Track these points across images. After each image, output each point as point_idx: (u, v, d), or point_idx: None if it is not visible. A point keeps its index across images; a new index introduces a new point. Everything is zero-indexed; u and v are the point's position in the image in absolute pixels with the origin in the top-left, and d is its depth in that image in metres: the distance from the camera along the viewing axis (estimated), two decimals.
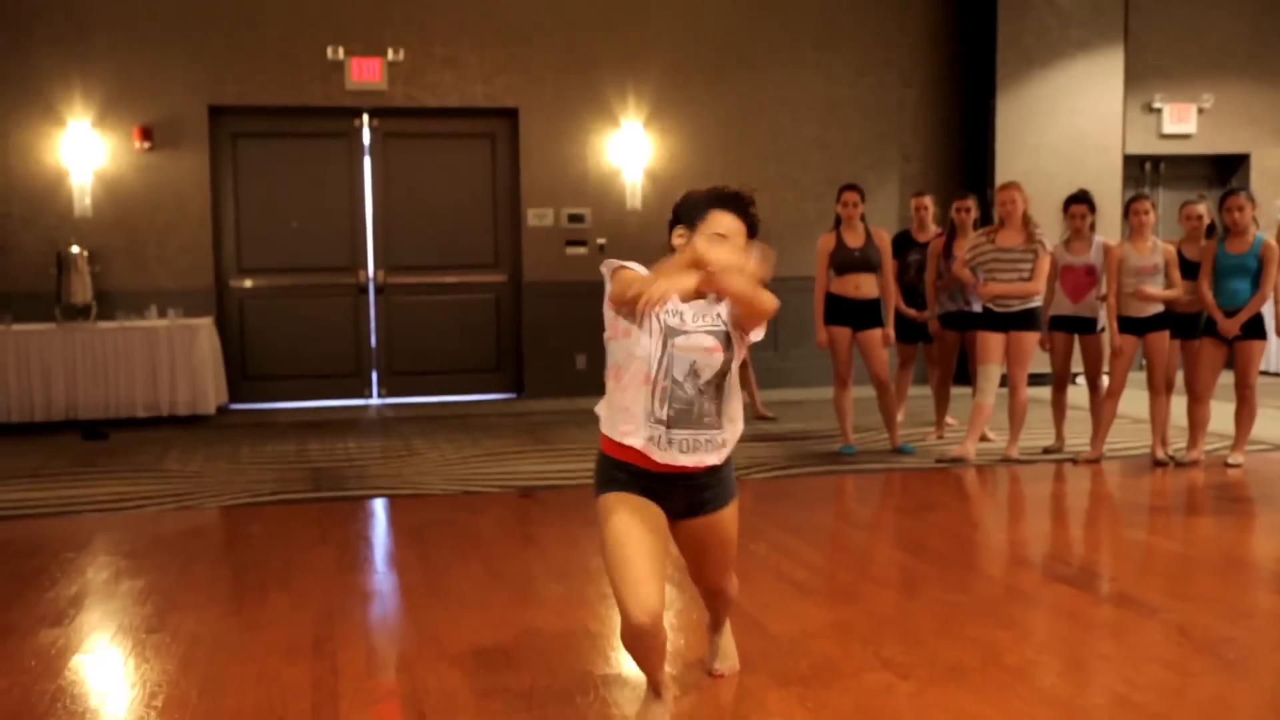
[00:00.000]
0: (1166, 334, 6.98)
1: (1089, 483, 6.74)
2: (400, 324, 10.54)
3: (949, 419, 8.26)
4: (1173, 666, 3.63)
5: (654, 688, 3.11)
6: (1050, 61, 11.02)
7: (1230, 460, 6.93)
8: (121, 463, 7.48)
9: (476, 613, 4.25)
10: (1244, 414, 6.96)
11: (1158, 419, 7.09)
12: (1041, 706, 3.28)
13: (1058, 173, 10.77)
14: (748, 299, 2.93)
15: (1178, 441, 7.27)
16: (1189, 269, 6.96)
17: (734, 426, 3.09)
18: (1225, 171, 12.27)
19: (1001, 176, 10.58)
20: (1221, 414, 7.45)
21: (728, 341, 3.02)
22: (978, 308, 7.49)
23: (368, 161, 10.47)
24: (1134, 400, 8.01)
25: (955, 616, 4.13)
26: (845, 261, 7.40)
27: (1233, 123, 11.98)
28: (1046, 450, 7.48)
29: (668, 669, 3.29)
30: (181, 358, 9.22)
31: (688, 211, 3.08)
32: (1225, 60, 11.87)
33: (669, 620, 3.85)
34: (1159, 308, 6.92)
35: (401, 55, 10.19)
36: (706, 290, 2.95)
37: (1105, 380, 7.23)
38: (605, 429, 3.04)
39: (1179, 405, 7.24)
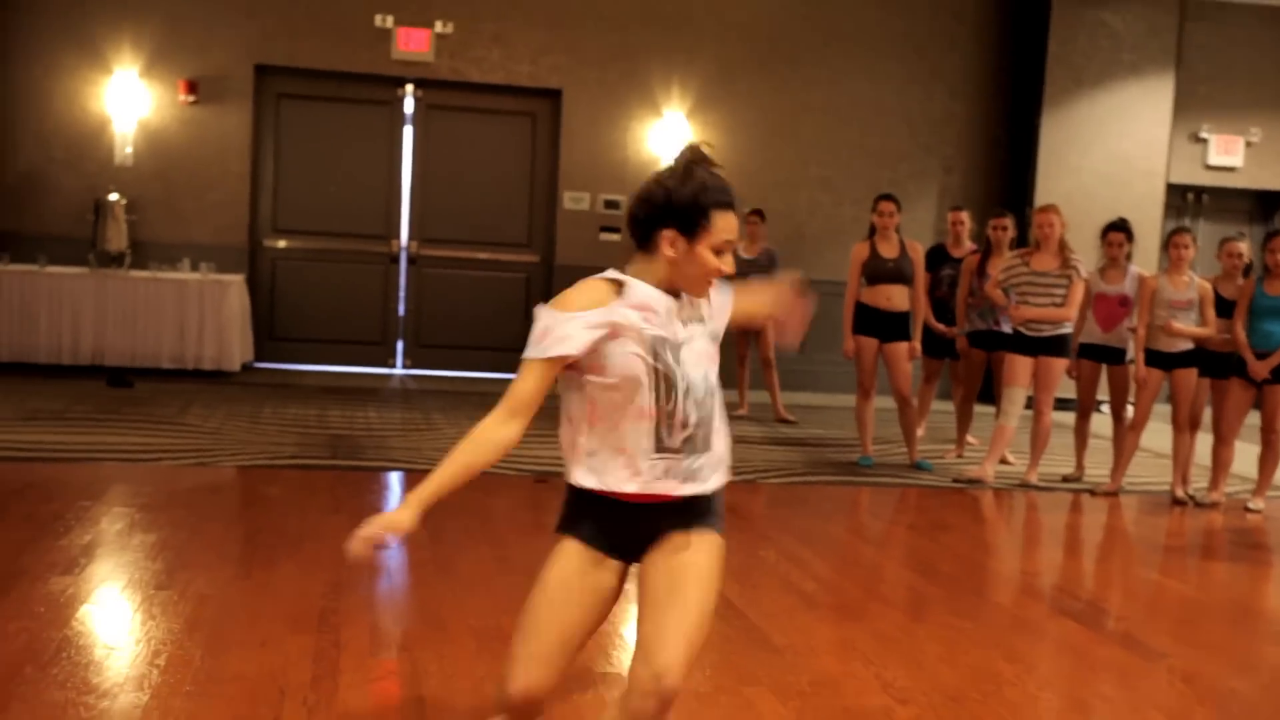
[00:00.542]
0: (1194, 371, 6.91)
1: (1105, 515, 6.70)
2: (429, 296, 10.57)
3: (970, 438, 8.23)
4: (1175, 716, 3.61)
5: None
6: (1099, 83, 10.94)
7: (1251, 505, 6.88)
8: (144, 413, 7.54)
9: (482, 596, 4.27)
10: (1269, 459, 6.89)
11: (1180, 457, 7.04)
12: None
13: (1099, 196, 10.70)
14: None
15: (1199, 481, 7.22)
16: (1224, 307, 6.89)
17: (727, 439, 2.63)
18: (1269, 207, 12.16)
19: (1043, 196, 10.51)
20: (1246, 456, 7.39)
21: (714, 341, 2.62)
22: (1007, 328, 7.44)
23: (409, 131, 10.49)
24: (1160, 434, 7.96)
25: (960, 643, 4.12)
26: (878, 272, 7.37)
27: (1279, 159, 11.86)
28: (1065, 478, 7.44)
29: None
30: (211, 313, 9.28)
31: (682, 214, 2.44)
32: (1276, 96, 11.74)
33: None
34: (1188, 344, 6.86)
35: (450, 28, 10.20)
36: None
37: (1130, 412, 7.18)
38: (584, 481, 2.49)
39: (1204, 443, 7.19)
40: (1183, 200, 12.00)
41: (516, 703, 2.47)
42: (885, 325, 7.41)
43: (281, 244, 10.31)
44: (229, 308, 9.32)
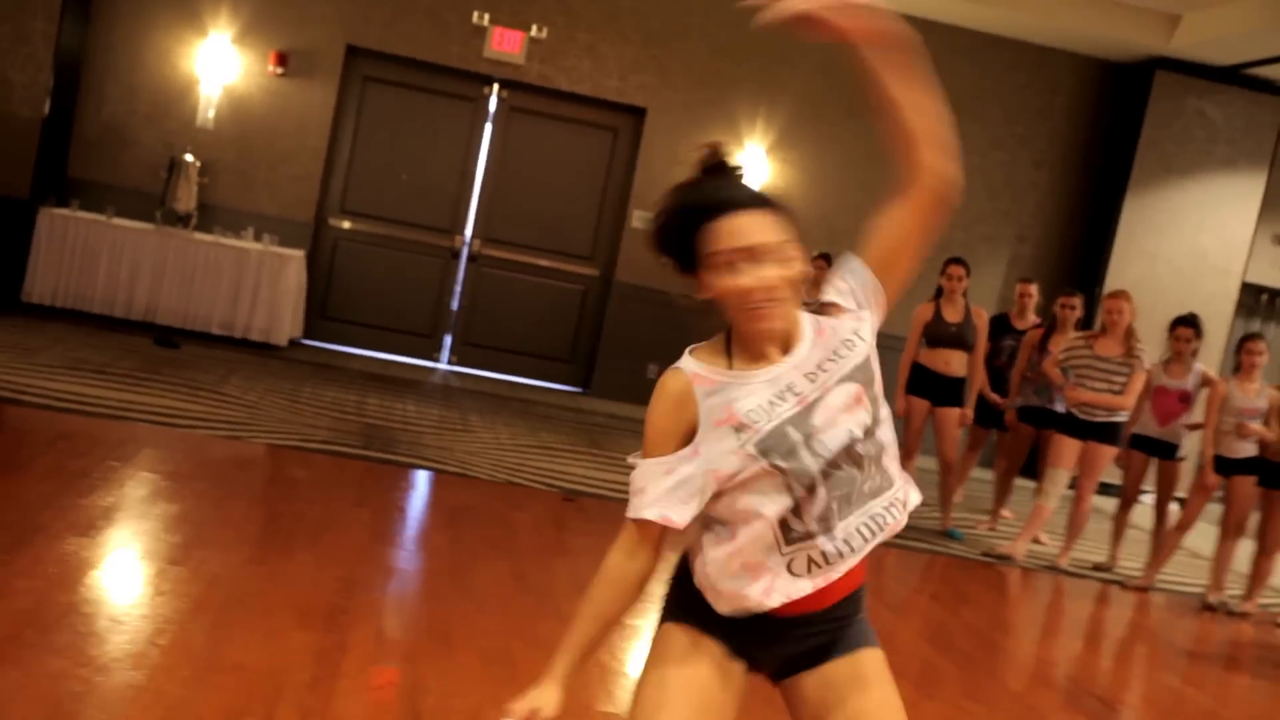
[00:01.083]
0: (1253, 479, 6.74)
1: (1132, 611, 6.54)
2: (484, 295, 10.56)
3: (1005, 511, 8.08)
4: None
5: None
6: (1188, 172, 10.74)
7: None
8: (185, 377, 7.56)
9: (494, 615, 4.21)
10: None
11: (1221, 562, 6.86)
12: None
13: (1171, 287, 10.50)
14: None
15: (1234, 588, 7.03)
16: None
17: (897, 469, 2.03)
18: None
19: (1115, 278, 10.34)
20: None
21: (868, 369, 1.98)
22: (1060, 408, 7.30)
23: (488, 130, 10.49)
24: (1199, 536, 7.77)
25: None
26: (940, 335, 7.27)
27: None
28: (1097, 566, 7.27)
29: None
30: (267, 285, 9.32)
31: (674, 247, 2.01)
32: None
33: None
34: (1251, 450, 6.69)
35: (545, 33, 10.20)
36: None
37: (1175, 510, 7.01)
38: (714, 601, 2.00)
39: (1244, 551, 7.01)
40: (1256, 301, 11.76)
41: None
42: (940, 389, 7.31)
43: (346, 225, 10.34)
44: (285, 282, 9.35)
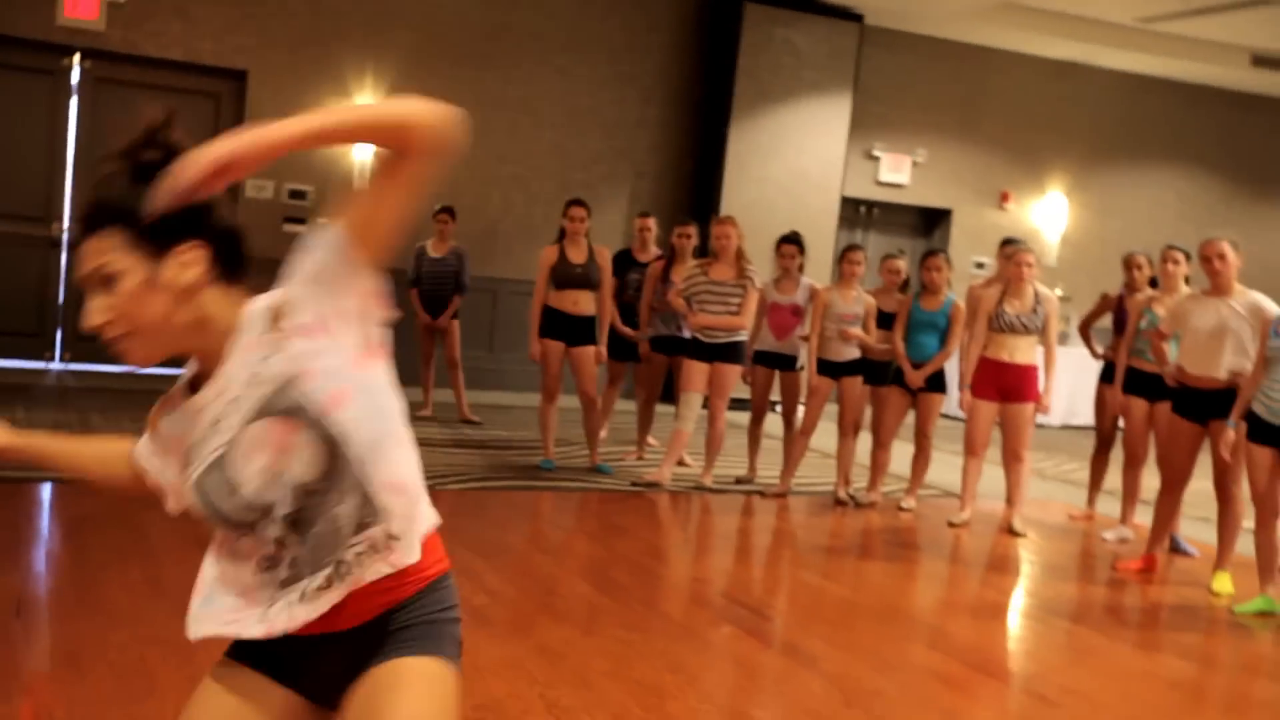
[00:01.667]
0: (860, 379, 7.32)
1: (774, 518, 6.98)
2: None
3: (650, 439, 8.40)
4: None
5: None
6: (783, 99, 11.40)
7: (904, 505, 7.34)
8: None
9: (127, 627, 3.97)
10: (920, 461, 7.39)
11: (843, 459, 7.43)
12: None
13: (780, 207, 11.16)
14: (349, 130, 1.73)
15: (859, 481, 7.64)
16: (884, 320, 7.31)
17: (401, 499, 1.75)
18: (930, 223, 13.05)
19: (728, 205, 10.87)
20: (901, 458, 7.85)
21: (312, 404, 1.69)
22: (687, 334, 7.63)
23: (74, 105, 9.72)
24: (826, 435, 8.36)
25: (627, 657, 4.16)
26: (566, 277, 7.41)
27: (941, 179, 12.74)
28: (739, 480, 7.71)
29: None
30: None
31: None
32: (940, 119, 12.61)
33: None
34: (855, 354, 7.25)
35: None
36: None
37: (800, 416, 7.51)
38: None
39: (864, 446, 7.60)
40: (855, 213, 12.70)
41: None
42: (571, 329, 7.46)
43: None
44: None
